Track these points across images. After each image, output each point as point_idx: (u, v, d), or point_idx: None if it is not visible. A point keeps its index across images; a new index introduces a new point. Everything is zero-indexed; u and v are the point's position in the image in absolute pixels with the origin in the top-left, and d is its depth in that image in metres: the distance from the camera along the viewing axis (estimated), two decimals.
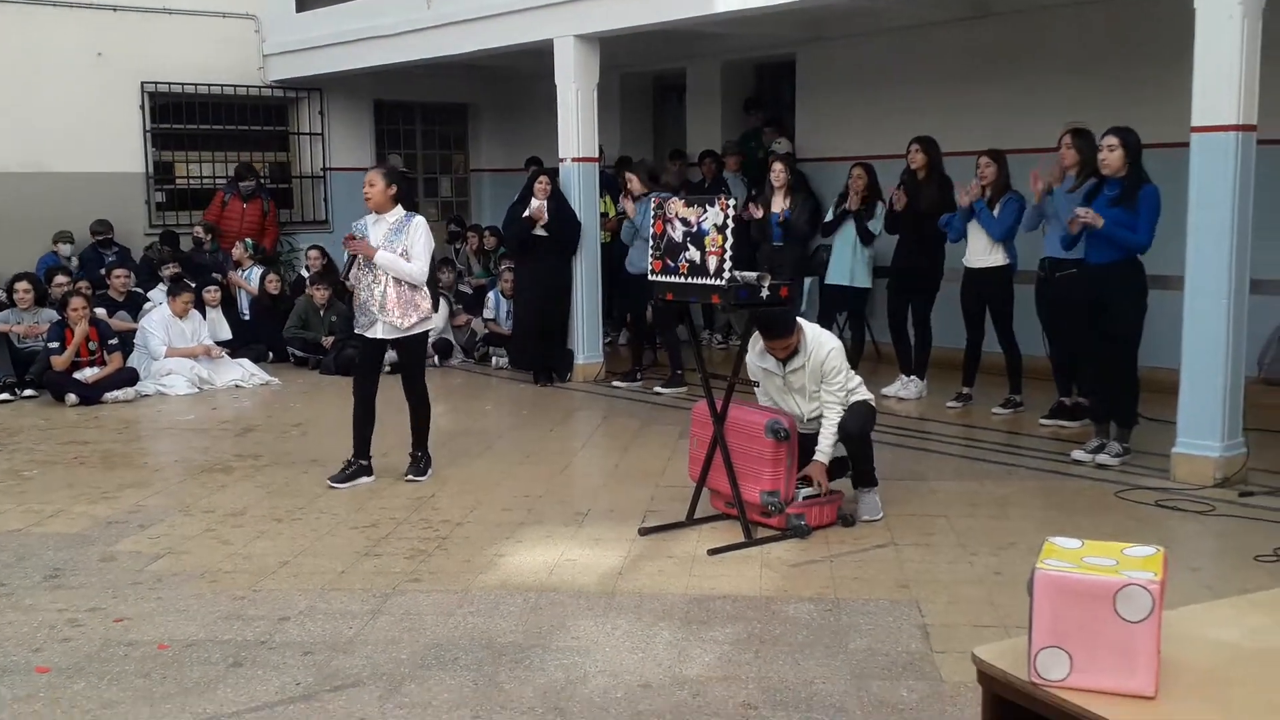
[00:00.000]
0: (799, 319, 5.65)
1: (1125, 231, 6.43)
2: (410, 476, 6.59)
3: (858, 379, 5.81)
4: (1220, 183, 5.99)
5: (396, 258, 6.27)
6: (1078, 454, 6.81)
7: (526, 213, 9.10)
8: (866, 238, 8.76)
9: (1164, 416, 6.72)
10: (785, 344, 5.56)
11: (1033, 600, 1.89)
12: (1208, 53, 5.98)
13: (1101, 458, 6.67)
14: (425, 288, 6.41)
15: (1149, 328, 6.75)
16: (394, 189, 6.34)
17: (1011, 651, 1.98)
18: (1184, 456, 6.28)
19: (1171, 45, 7.20)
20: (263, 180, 13.09)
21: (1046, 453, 7.07)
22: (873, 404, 5.79)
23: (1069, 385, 7.61)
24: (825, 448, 5.60)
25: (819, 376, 5.59)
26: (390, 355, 10.08)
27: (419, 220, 6.40)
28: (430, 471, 6.66)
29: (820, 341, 5.61)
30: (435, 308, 6.66)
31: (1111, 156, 6.48)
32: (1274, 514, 5.70)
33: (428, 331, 6.73)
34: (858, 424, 5.60)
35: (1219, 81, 5.94)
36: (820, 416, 5.61)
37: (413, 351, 6.59)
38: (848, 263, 8.82)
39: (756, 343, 5.71)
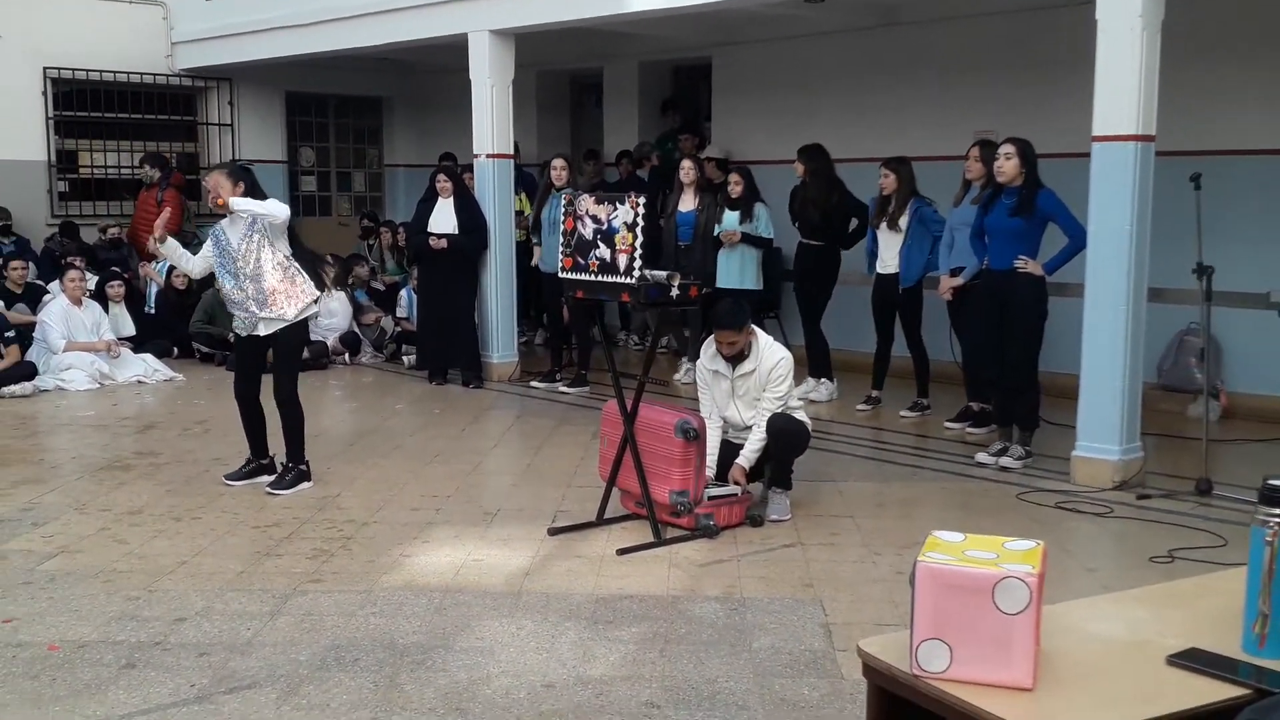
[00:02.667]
0: (754, 326, 5.73)
1: (1067, 251, 6.62)
2: (269, 488, 6.23)
3: (800, 401, 5.95)
4: (1120, 192, 6.13)
5: (251, 201, 5.94)
6: (981, 456, 6.93)
7: None
8: (757, 243, 8.81)
9: (1066, 421, 6.86)
10: (733, 339, 5.61)
11: (914, 592, 1.91)
12: (1109, 64, 6.12)
13: (1004, 460, 6.80)
14: (304, 273, 6.10)
15: (1051, 333, 6.90)
16: (241, 186, 6.05)
17: (896, 644, 2.00)
18: (1083, 460, 6.42)
19: (1074, 56, 7.37)
20: (169, 167, 12.80)
21: (952, 455, 7.18)
22: (809, 429, 5.87)
23: (977, 391, 7.75)
24: (749, 452, 5.68)
25: (765, 384, 5.64)
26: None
27: (268, 199, 6.10)
28: (302, 486, 6.27)
29: (773, 350, 5.72)
30: (320, 288, 6.28)
31: (1008, 165, 6.64)
32: (1170, 516, 5.85)
33: (306, 324, 6.36)
34: (787, 423, 5.68)
35: (1119, 92, 6.08)
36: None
37: (289, 345, 6.20)
38: (736, 266, 8.83)
39: (710, 345, 5.77)
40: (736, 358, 5.71)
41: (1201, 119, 8.00)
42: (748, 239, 8.74)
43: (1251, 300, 7.79)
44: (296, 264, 6.13)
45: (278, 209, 6.02)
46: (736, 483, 5.64)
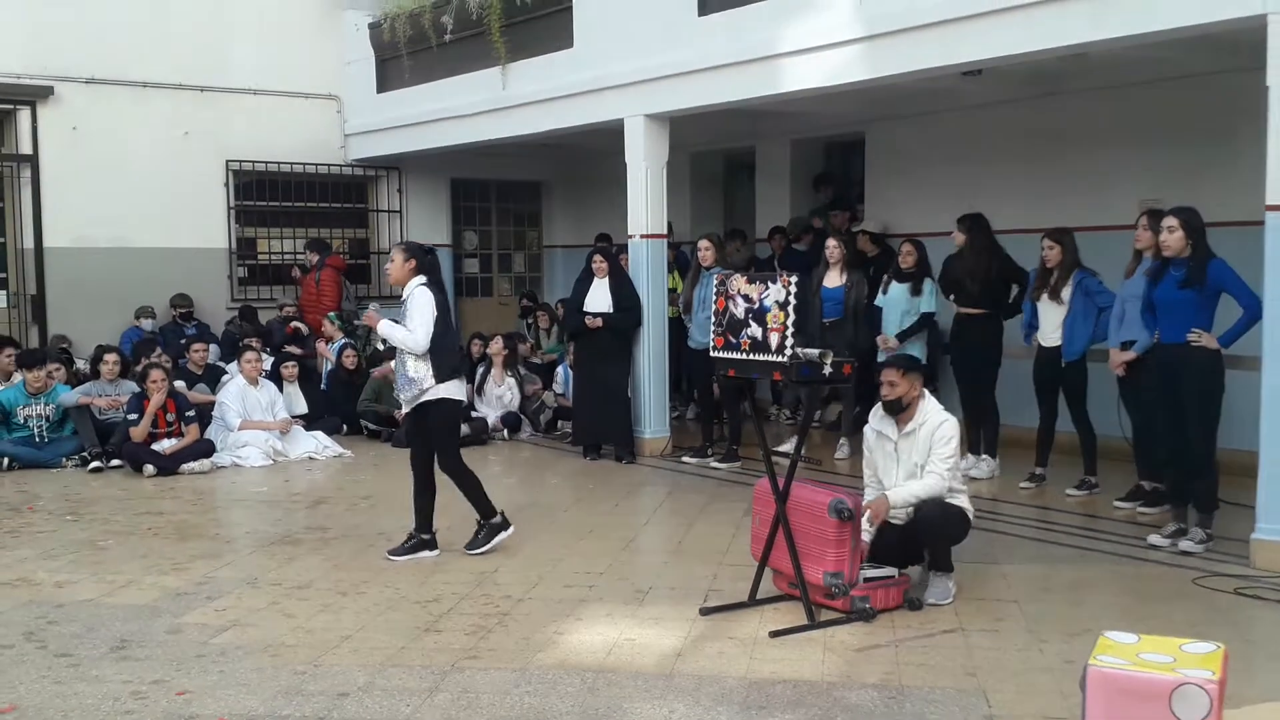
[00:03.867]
0: (925, 390, 5.71)
1: (1242, 323, 6.36)
2: (465, 548, 6.64)
3: (965, 487, 5.80)
4: None
5: (395, 326, 6.38)
6: (1154, 539, 6.63)
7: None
8: (921, 323, 8.79)
9: (1244, 500, 6.51)
10: (893, 379, 5.61)
11: (1085, 698, 1.84)
12: None
13: (1184, 544, 6.47)
14: (428, 359, 6.37)
15: (1226, 408, 6.58)
16: (412, 263, 6.45)
17: None
18: (1264, 543, 6.07)
19: (1245, 123, 7.10)
20: (337, 252, 13.39)
21: (1122, 537, 6.89)
22: (969, 515, 5.72)
23: (1149, 469, 7.44)
24: (901, 494, 5.54)
25: (928, 447, 5.57)
26: (463, 429, 10.26)
27: (418, 289, 6.42)
28: (499, 539, 6.64)
29: (939, 413, 5.67)
30: (452, 376, 6.49)
31: (1172, 238, 6.42)
32: None
33: (453, 405, 6.61)
34: (939, 512, 5.53)
35: None
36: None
37: (439, 418, 6.50)
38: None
39: (879, 410, 5.77)
40: (898, 412, 5.63)
41: None
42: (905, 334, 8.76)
43: None
44: (431, 356, 6.40)
45: (410, 341, 6.34)
46: (869, 508, 5.42)
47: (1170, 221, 6.44)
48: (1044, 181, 9.74)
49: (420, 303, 6.36)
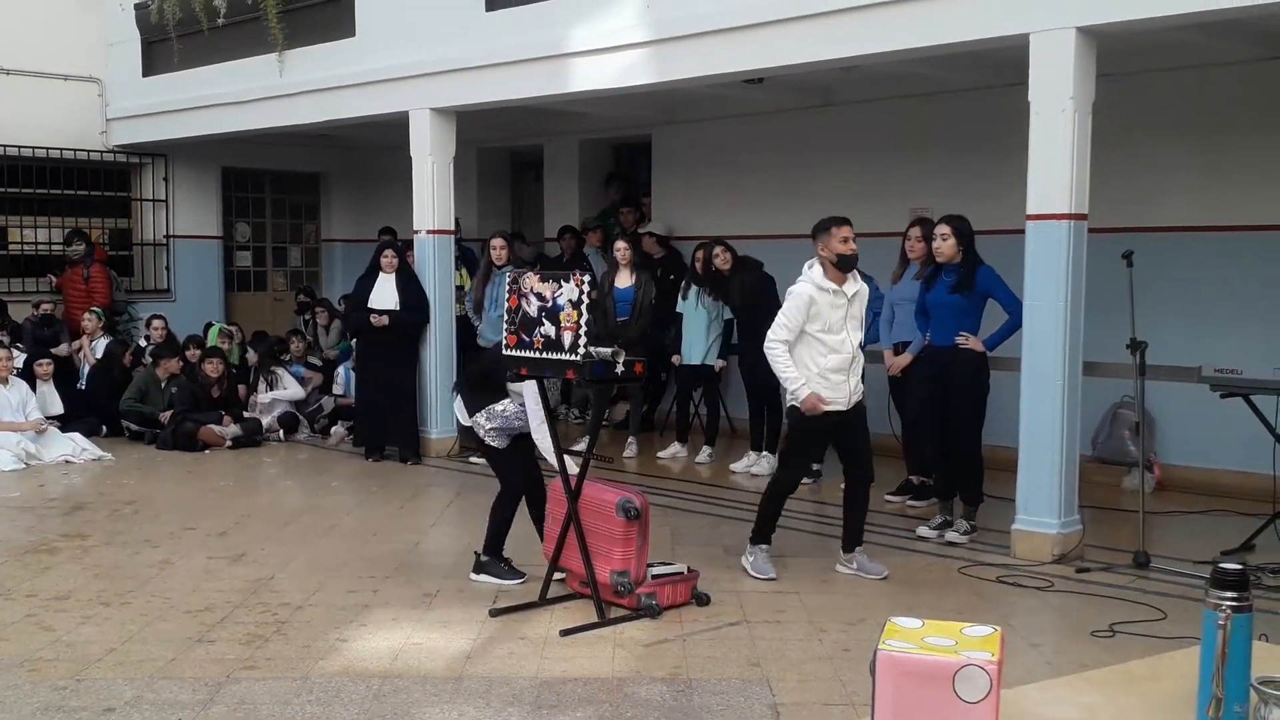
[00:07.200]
0: None
1: (1006, 327, 6.75)
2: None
3: None
4: (1053, 269, 6.25)
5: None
6: (923, 530, 6.95)
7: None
8: (728, 329, 9.06)
9: (1006, 494, 6.90)
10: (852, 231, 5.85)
11: (875, 681, 1.88)
12: (1041, 145, 6.26)
13: (950, 535, 6.81)
14: None
15: (991, 406, 6.96)
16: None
17: None
18: (1023, 533, 6.45)
19: (1009, 136, 7.54)
20: (97, 243, 12.64)
21: (893, 529, 7.19)
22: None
23: (918, 464, 7.79)
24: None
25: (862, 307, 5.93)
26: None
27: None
28: (487, 579, 6.05)
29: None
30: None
31: (945, 245, 6.76)
32: (1109, 589, 5.88)
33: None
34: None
35: (1052, 172, 6.22)
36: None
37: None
38: (702, 344, 9.03)
39: (814, 265, 5.88)
40: (849, 269, 5.86)
41: (1133, 197, 8.23)
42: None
43: (1183, 374, 7.89)
44: None
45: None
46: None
47: (943, 229, 6.78)
48: (820, 188, 10.07)
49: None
